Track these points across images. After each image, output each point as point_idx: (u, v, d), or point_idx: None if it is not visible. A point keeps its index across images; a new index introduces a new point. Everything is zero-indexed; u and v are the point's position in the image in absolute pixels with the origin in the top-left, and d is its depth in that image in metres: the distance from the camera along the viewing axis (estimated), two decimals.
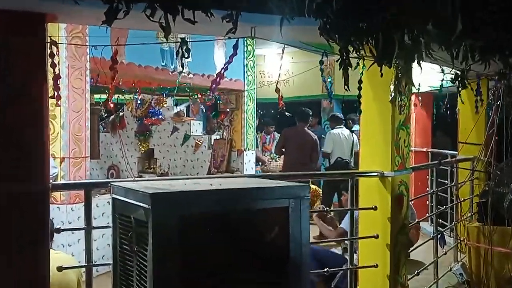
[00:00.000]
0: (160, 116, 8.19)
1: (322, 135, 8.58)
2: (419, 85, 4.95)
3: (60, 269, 2.58)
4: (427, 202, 6.40)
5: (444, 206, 5.39)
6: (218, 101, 7.64)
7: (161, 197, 1.97)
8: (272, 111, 9.83)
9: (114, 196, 2.27)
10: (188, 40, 2.22)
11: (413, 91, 4.77)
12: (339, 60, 2.31)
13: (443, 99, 4.63)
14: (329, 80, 4.61)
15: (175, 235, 1.94)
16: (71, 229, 4.26)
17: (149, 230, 1.93)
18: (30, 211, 2.29)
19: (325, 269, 3.38)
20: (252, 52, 7.60)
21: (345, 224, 4.56)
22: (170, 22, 1.81)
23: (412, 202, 4.43)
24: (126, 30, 4.19)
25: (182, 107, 8.82)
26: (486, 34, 2.35)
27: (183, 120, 8.34)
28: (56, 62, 2.39)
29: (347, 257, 3.56)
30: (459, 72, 3.02)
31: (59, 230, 2.76)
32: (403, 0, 2.06)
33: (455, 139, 5.82)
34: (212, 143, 7.91)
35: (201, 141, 8.00)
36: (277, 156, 8.51)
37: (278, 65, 3.01)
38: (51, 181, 2.53)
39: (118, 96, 8.52)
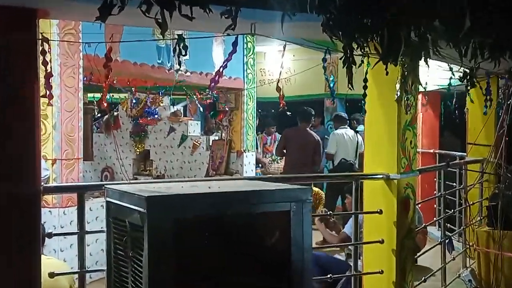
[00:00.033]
0: (156, 116, 8.19)
1: (326, 136, 8.58)
2: (426, 83, 4.96)
3: (52, 275, 2.58)
4: (435, 206, 6.39)
5: (452, 210, 5.38)
6: (216, 101, 7.64)
7: (157, 200, 1.97)
8: (273, 111, 9.83)
9: (108, 199, 2.27)
10: (185, 37, 2.23)
11: (420, 90, 4.77)
12: (343, 58, 2.31)
13: (451, 99, 4.63)
14: (331, 78, 4.61)
15: (172, 240, 1.94)
16: (63, 233, 4.26)
17: (145, 234, 1.93)
18: (20, 215, 2.29)
19: (328, 276, 3.38)
20: (252, 49, 7.60)
21: (348, 229, 4.56)
22: (167, 18, 1.81)
23: (419, 205, 4.43)
24: (121, 26, 4.18)
25: (179, 107, 8.81)
26: (495, 31, 2.36)
27: (180, 120, 8.34)
28: (48, 59, 2.39)
29: (351, 264, 3.56)
30: (467, 70, 3.03)
31: (50, 235, 2.76)
32: None
33: (464, 140, 5.83)
34: (211, 144, 7.91)
35: (199, 142, 8.00)
36: (278, 158, 8.51)
37: (279, 63, 3.01)
38: (42, 183, 2.53)
39: (113, 95, 8.51)
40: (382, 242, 3.37)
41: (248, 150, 7.64)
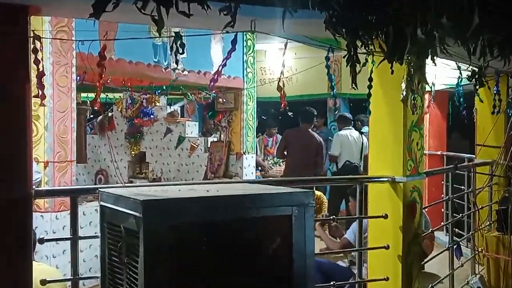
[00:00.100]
0: (152, 117, 8.18)
1: (329, 137, 8.58)
2: (433, 83, 4.96)
3: (43, 282, 2.58)
4: (442, 210, 6.39)
5: (461, 214, 5.38)
6: (215, 100, 7.64)
7: (153, 204, 1.97)
8: (273, 111, 9.83)
9: (102, 203, 2.27)
10: (182, 35, 2.23)
11: (426, 90, 4.77)
12: (347, 56, 2.31)
13: (460, 98, 4.63)
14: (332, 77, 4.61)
15: (169, 246, 1.94)
16: (55, 239, 4.26)
17: (140, 240, 1.92)
18: (11, 220, 2.29)
19: (331, 283, 3.38)
20: (252, 47, 7.61)
21: (350, 234, 4.56)
22: (163, 14, 1.81)
23: (426, 209, 4.43)
24: (115, 23, 4.19)
25: (176, 107, 8.81)
26: (505, 28, 2.36)
27: (177, 120, 8.33)
28: (40, 58, 2.39)
29: (355, 271, 3.56)
30: (476, 69, 3.03)
31: (42, 240, 2.75)
32: None
33: (472, 141, 5.83)
34: (209, 146, 7.91)
35: (196, 144, 8.00)
36: (280, 161, 8.51)
37: (280, 61, 3.01)
38: (34, 187, 2.53)
39: (107, 95, 8.52)
40: (387, 247, 3.37)
41: (248, 152, 7.64)
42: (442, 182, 6.36)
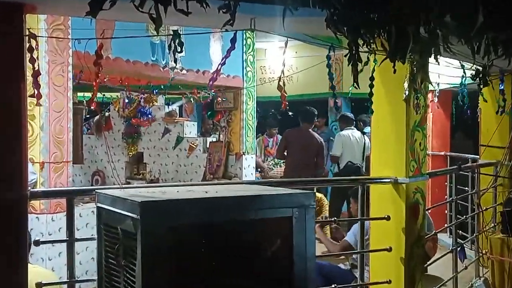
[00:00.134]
0: (150, 116, 8.18)
1: (331, 138, 8.57)
2: (437, 83, 4.96)
3: (39, 285, 2.58)
4: (446, 211, 6.40)
5: (464, 216, 5.38)
6: (214, 99, 7.64)
7: (151, 206, 1.97)
8: (273, 111, 9.83)
9: (99, 205, 2.28)
10: (181, 33, 2.23)
11: (430, 89, 4.77)
12: (348, 55, 2.31)
13: (463, 98, 4.63)
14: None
15: (167, 248, 1.94)
16: (51, 241, 4.26)
17: (138, 242, 1.93)
18: (5, 221, 2.29)
19: (332, 286, 3.38)
20: (252, 45, 7.61)
21: (350, 236, 4.56)
22: (161, 13, 1.81)
23: (429, 211, 4.43)
24: (112, 22, 4.19)
25: (175, 107, 8.81)
26: (510, 26, 2.36)
27: (176, 120, 8.33)
28: (35, 57, 2.39)
29: (356, 274, 3.56)
30: (480, 68, 3.03)
31: (38, 243, 2.75)
32: None
33: (476, 142, 5.83)
34: (208, 146, 7.91)
35: (195, 144, 8.00)
36: (281, 162, 8.51)
37: (280, 60, 3.02)
38: (29, 188, 2.53)
39: (104, 95, 8.52)
40: (389, 250, 3.37)
41: (247, 152, 7.63)
42: (446, 183, 6.39)
